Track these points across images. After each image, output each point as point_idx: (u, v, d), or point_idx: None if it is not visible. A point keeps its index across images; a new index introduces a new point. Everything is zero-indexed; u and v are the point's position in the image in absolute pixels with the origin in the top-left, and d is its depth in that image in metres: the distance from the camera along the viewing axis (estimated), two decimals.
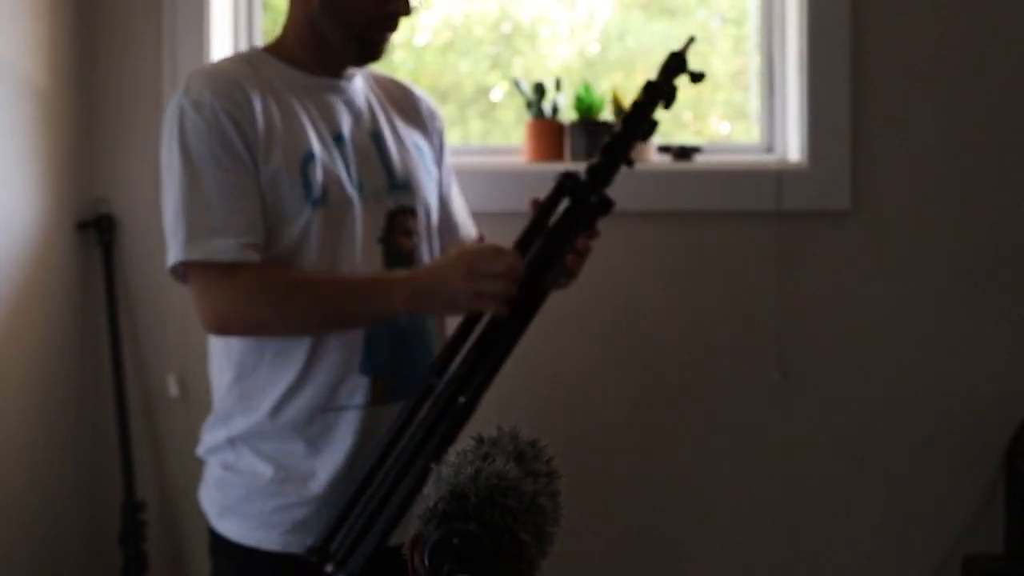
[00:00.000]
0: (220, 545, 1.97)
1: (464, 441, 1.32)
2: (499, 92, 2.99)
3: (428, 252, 2.02)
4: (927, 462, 2.74)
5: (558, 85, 2.82)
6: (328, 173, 1.89)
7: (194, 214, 1.82)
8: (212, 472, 2.00)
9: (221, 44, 2.81)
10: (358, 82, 2.02)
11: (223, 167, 1.82)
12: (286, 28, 1.99)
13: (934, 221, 2.73)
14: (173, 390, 2.76)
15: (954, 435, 2.73)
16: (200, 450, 2.02)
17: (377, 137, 2.00)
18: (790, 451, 2.75)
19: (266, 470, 1.91)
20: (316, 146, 1.89)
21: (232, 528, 1.94)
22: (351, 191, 1.91)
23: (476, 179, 2.72)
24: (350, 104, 1.98)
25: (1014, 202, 2.73)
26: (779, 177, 2.71)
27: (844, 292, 2.74)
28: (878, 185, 2.73)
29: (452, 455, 1.28)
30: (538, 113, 2.80)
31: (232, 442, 1.94)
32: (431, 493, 1.22)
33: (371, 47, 1.95)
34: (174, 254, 1.85)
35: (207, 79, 1.87)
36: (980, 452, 2.72)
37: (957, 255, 2.73)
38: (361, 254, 1.91)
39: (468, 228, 2.20)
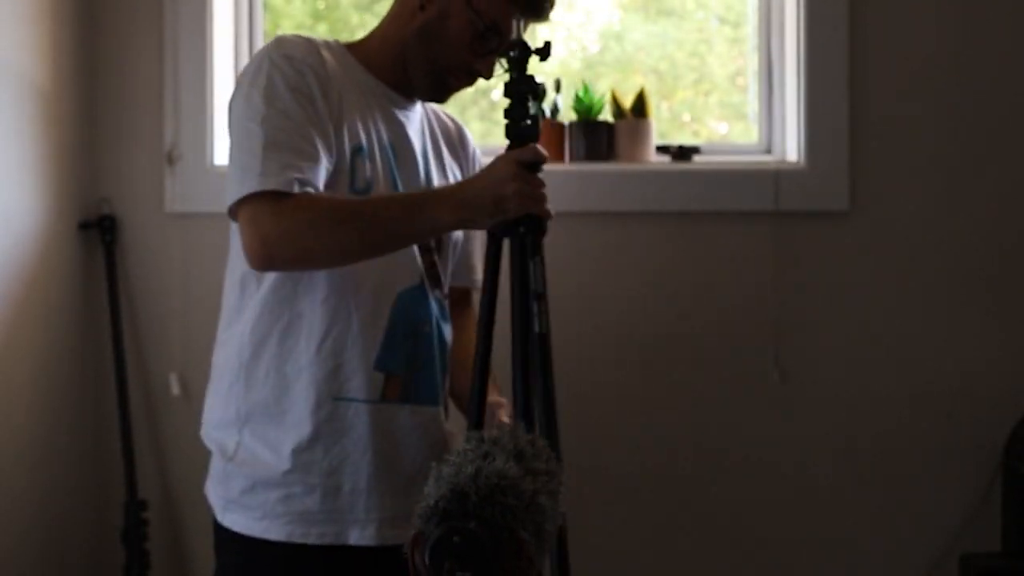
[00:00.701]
0: (225, 539, 1.97)
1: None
2: (499, 93, 3.00)
3: (443, 274, 2.03)
4: (924, 461, 2.75)
5: (558, 86, 2.83)
6: (375, 170, 1.92)
7: (260, 153, 1.81)
8: (216, 465, 1.99)
9: (222, 46, 2.82)
10: (419, 108, 2.06)
11: (302, 110, 1.84)
12: (373, 37, 2.02)
13: (931, 221, 2.74)
14: (175, 389, 2.77)
15: (951, 434, 2.75)
16: (204, 432, 2.02)
17: (425, 157, 2.03)
18: (788, 450, 2.76)
19: (270, 459, 1.92)
20: (367, 143, 1.92)
21: (236, 520, 1.94)
22: (391, 188, 1.95)
23: None
24: (408, 121, 2.01)
25: (1010, 203, 2.75)
26: (777, 177, 2.72)
27: (842, 292, 2.75)
28: (876, 186, 2.74)
29: (452, 454, 1.29)
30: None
31: (240, 421, 1.95)
32: (432, 491, 1.23)
33: (443, 89, 2.00)
34: (232, 192, 1.83)
35: (299, 41, 1.91)
36: (977, 451, 2.73)
37: (954, 255, 2.74)
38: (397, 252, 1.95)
39: (478, 273, 2.19)
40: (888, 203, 2.74)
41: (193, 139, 2.75)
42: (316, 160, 1.83)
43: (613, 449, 2.78)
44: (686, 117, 3.02)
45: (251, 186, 1.79)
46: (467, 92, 2.97)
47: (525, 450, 1.31)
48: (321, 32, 3.04)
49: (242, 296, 1.96)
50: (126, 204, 2.79)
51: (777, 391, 2.75)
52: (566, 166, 2.77)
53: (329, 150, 1.86)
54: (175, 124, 2.76)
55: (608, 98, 2.81)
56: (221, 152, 2.81)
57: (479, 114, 3.00)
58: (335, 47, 1.98)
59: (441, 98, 2.02)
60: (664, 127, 2.94)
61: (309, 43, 1.92)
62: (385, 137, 1.95)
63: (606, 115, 2.81)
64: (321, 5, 3.06)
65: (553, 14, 1.99)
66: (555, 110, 2.82)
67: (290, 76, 1.85)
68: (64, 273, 2.72)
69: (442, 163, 2.07)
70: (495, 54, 1.96)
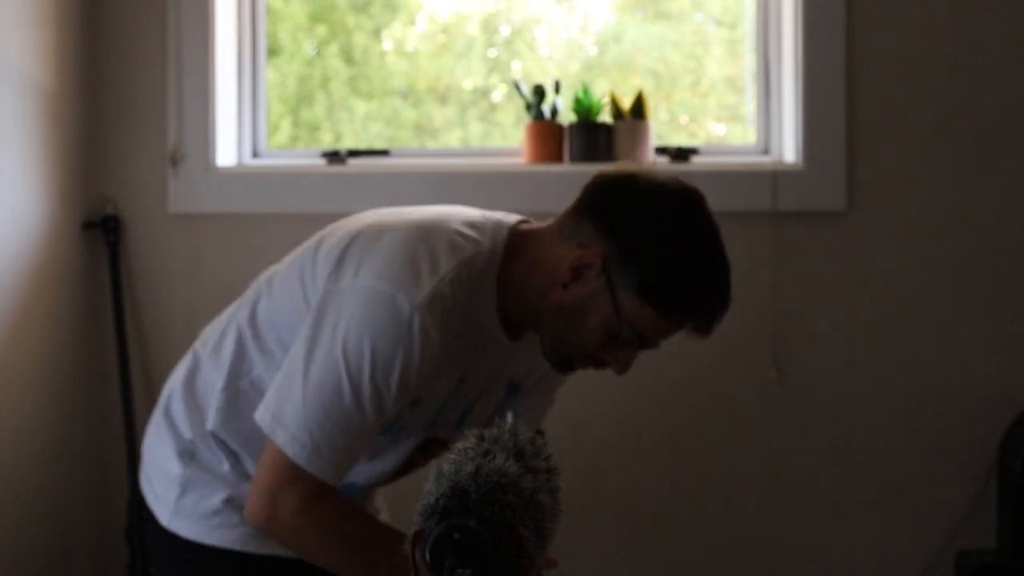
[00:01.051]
0: (172, 545, 1.90)
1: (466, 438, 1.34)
2: (499, 94, 3.02)
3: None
4: (921, 459, 2.77)
5: (557, 87, 2.85)
6: (419, 414, 1.81)
7: (330, 429, 1.67)
8: (165, 466, 1.90)
9: (225, 47, 2.84)
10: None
11: (390, 412, 1.70)
12: (525, 263, 1.76)
13: (928, 221, 2.76)
14: None
15: (947, 432, 2.76)
16: (168, 450, 1.90)
17: (489, 386, 1.86)
18: (785, 449, 2.78)
19: (222, 465, 1.86)
20: (433, 393, 1.79)
21: (186, 526, 1.88)
22: (421, 430, 1.85)
23: (476, 180, 2.76)
24: (497, 360, 1.84)
25: (1007, 203, 2.76)
26: (775, 178, 2.74)
27: (839, 292, 2.77)
28: (873, 186, 2.75)
29: (453, 452, 1.31)
30: (537, 115, 2.83)
31: (206, 438, 1.87)
32: (432, 489, 1.25)
33: (566, 366, 1.81)
34: (281, 426, 1.68)
35: (438, 306, 1.67)
36: (973, 449, 2.75)
37: (951, 255, 2.76)
38: (388, 460, 1.88)
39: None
40: (885, 203, 2.76)
41: (196, 140, 2.77)
42: (360, 458, 1.75)
43: (610, 448, 2.79)
44: (684, 118, 3.03)
45: (299, 453, 1.67)
46: (466, 94, 3.02)
47: (525, 448, 1.32)
48: (320, 34, 3.06)
49: (236, 353, 1.85)
50: (130, 205, 2.82)
51: (774, 390, 2.76)
52: (565, 167, 2.79)
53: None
54: (178, 125, 2.78)
55: (607, 100, 2.83)
56: (224, 153, 2.84)
57: (479, 115, 3.02)
58: (488, 272, 1.74)
59: (562, 371, 1.84)
60: (662, 128, 2.96)
61: (447, 313, 1.68)
62: (462, 376, 1.80)
63: (605, 116, 2.83)
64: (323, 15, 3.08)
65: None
66: (554, 111, 2.84)
67: (412, 369, 1.67)
68: (68, 273, 2.74)
69: (500, 383, 1.89)
70: (634, 350, 1.77)
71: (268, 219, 2.81)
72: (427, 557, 1.21)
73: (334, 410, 1.66)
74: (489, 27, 3.02)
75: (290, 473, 1.67)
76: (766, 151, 2.87)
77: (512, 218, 1.81)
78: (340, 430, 1.67)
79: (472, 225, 1.77)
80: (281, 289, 1.83)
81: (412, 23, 3.06)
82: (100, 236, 2.79)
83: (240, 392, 1.84)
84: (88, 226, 2.78)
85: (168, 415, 1.92)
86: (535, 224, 1.82)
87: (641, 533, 2.81)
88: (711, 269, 1.81)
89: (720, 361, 2.77)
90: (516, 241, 1.77)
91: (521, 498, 1.24)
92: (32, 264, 2.58)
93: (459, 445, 1.31)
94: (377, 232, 1.75)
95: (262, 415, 1.70)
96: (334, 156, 2.88)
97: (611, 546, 2.78)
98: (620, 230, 1.71)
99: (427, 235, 1.72)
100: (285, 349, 1.78)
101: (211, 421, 1.86)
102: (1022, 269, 2.76)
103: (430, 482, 1.26)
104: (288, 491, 1.68)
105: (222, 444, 1.86)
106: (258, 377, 1.83)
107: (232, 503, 1.85)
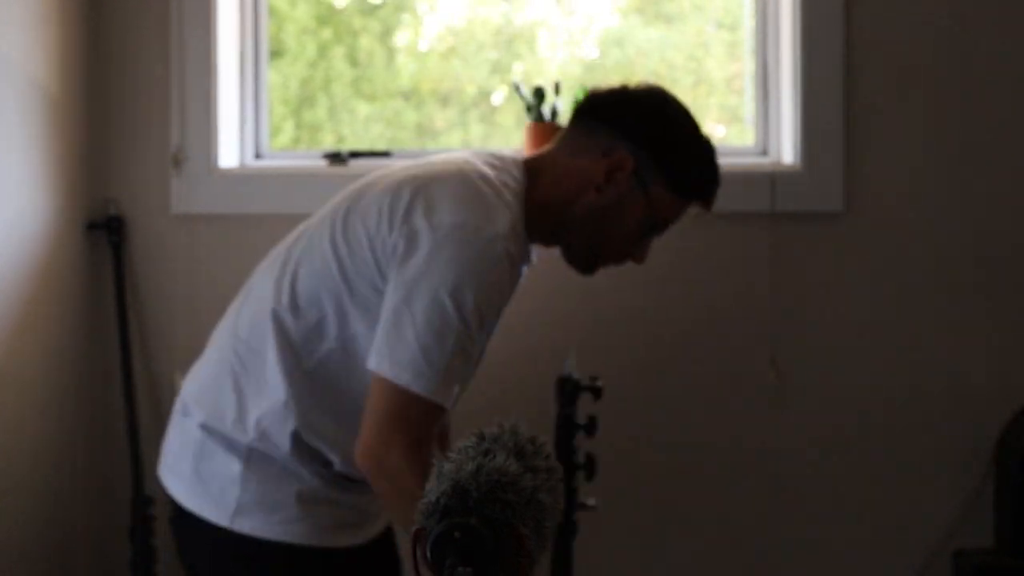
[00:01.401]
0: (233, 545, 1.89)
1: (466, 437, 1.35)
2: (499, 96, 3.03)
3: None
4: (918, 458, 2.78)
5: (557, 89, 2.85)
6: (486, 341, 1.92)
7: (448, 359, 1.75)
8: (219, 468, 1.90)
9: (228, 49, 2.85)
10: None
11: (490, 330, 1.84)
12: (543, 185, 1.92)
13: (926, 222, 2.77)
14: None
15: (944, 431, 2.77)
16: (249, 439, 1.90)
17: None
18: (783, 448, 2.79)
19: (281, 459, 1.87)
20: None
21: (250, 524, 1.88)
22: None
23: None
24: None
25: (1005, 204, 2.77)
26: (773, 179, 2.75)
27: (837, 292, 2.78)
28: (871, 187, 2.77)
29: (454, 451, 1.32)
30: (538, 117, 2.84)
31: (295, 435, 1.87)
32: (433, 488, 1.26)
33: (593, 266, 1.99)
34: (404, 366, 1.74)
35: (516, 232, 1.83)
36: (970, 448, 2.76)
37: (949, 256, 2.77)
38: None
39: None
40: (883, 204, 2.77)
41: (199, 141, 2.79)
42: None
43: (608, 448, 2.80)
44: None
45: (423, 386, 1.74)
46: (469, 94, 3.03)
47: (525, 447, 1.33)
48: (325, 37, 3.07)
49: (282, 344, 1.89)
50: (133, 206, 2.83)
51: (773, 390, 2.77)
52: None
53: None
54: (181, 126, 2.80)
55: None
56: (226, 154, 2.85)
57: (480, 117, 3.04)
58: (520, 202, 1.88)
59: (588, 272, 2.00)
60: None
61: (519, 230, 1.83)
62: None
63: None
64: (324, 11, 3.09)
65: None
66: (554, 113, 2.85)
67: (505, 293, 1.83)
68: (71, 274, 2.75)
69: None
70: (651, 239, 1.98)
71: (270, 220, 2.82)
72: (428, 556, 1.22)
73: (442, 327, 1.74)
74: (491, 29, 3.04)
75: (404, 411, 1.74)
76: (764, 152, 2.88)
77: (515, 152, 2.00)
78: (456, 359, 1.75)
79: (495, 162, 1.91)
80: (324, 259, 1.89)
81: (419, 24, 3.07)
82: (103, 237, 2.80)
83: (310, 374, 1.87)
84: (91, 227, 2.79)
85: (209, 427, 1.92)
86: (533, 152, 2.01)
87: (640, 532, 2.82)
88: (711, 151, 1.99)
89: (719, 361, 2.78)
90: (531, 168, 1.92)
91: (521, 497, 1.25)
92: (36, 265, 2.59)
93: (460, 444, 1.32)
94: (425, 178, 1.85)
95: (378, 363, 1.75)
96: (336, 157, 2.90)
97: (610, 545, 2.79)
98: (638, 133, 1.91)
99: (478, 173, 1.85)
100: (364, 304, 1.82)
101: (290, 422, 1.85)
102: (1020, 269, 2.77)
103: (431, 481, 1.27)
104: (400, 433, 1.73)
105: (301, 443, 1.86)
106: (327, 352, 1.86)
107: (300, 497, 1.86)
